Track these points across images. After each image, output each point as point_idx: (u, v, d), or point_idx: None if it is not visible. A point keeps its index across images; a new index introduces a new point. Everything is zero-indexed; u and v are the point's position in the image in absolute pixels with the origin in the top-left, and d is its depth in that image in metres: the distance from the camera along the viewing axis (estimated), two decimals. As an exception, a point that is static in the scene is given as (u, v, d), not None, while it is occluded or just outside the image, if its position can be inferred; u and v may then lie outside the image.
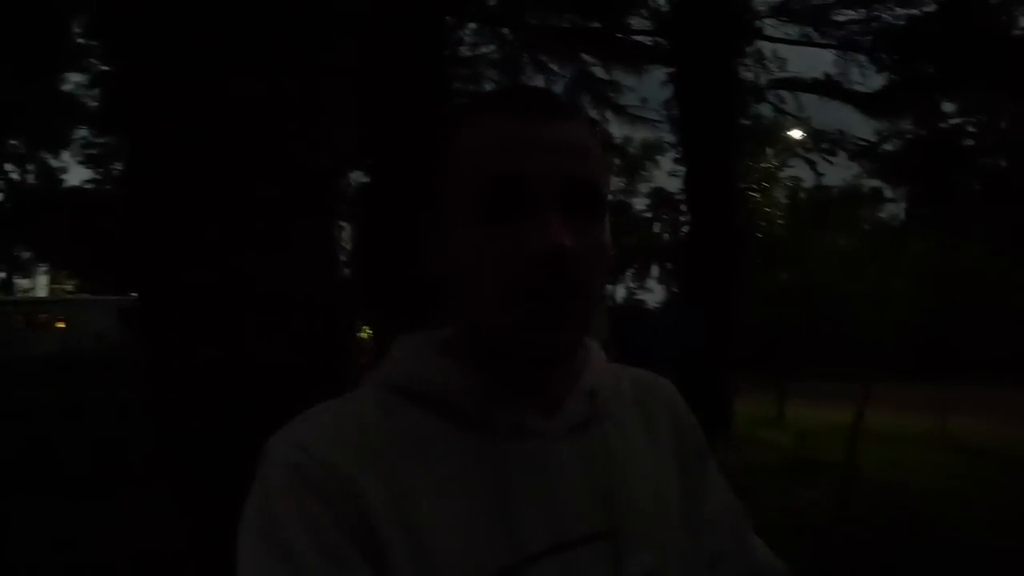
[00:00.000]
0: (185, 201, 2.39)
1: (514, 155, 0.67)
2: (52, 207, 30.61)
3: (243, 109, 2.38)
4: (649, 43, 11.30)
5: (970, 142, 11.54)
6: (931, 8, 10.47)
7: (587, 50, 11.31)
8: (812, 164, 15.13)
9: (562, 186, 0.67)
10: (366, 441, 0.67)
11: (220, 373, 2.34)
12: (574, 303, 0.68)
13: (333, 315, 2.59)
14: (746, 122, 11.34)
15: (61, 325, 25.68)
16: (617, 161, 24.70)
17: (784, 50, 15.05)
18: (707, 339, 8.97)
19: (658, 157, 30.69)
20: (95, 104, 20.48)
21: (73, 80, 21.52)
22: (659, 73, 11.09)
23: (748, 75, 11.21)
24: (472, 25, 10.61)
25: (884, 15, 10.94)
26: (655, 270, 41.65)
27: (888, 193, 16.79)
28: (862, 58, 11.34)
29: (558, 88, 11.07)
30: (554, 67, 11.61)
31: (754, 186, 15.87)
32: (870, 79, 11.51)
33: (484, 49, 11.18)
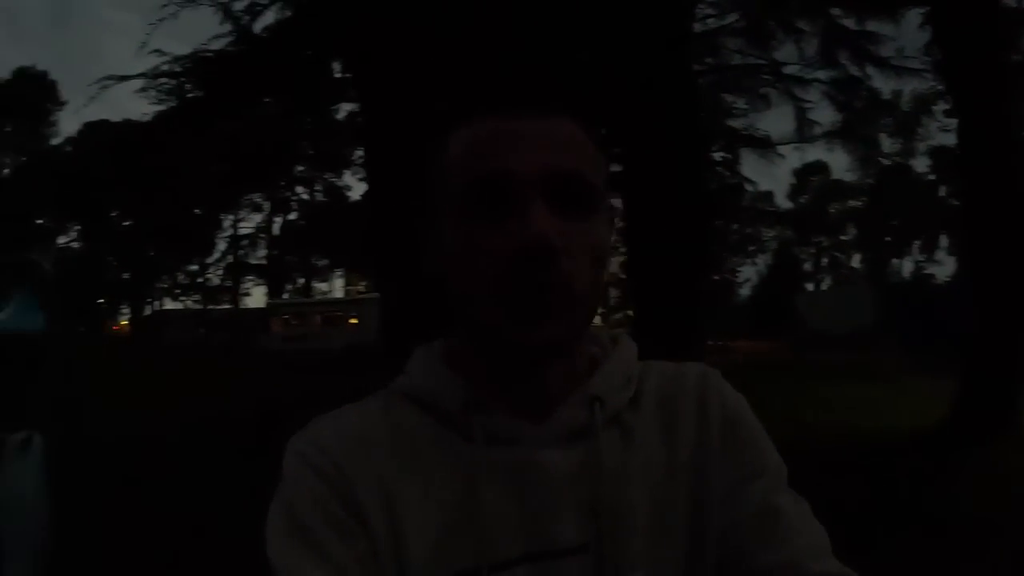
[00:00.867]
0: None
1: (497, 153, 0.68)
2: (341, 220, 34.55)
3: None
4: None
5: None
6: None
7: (835, 3, 10.39)
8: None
9: (546, 180, 0.67)
10: (364, 437, 0.72)
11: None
12: (558, 296, 0.66)
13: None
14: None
15: (354, 321, 29.02)
16: (888, 120, 22.45)
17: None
18: (978, 320, 7.68)
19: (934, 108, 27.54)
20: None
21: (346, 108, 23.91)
22: (915, 16, 9.87)
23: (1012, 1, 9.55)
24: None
25: None
26: (944, 240, 37.70)
27: None
28: None
29: (811, 47, 10.27)
30: (802, 26, 10.77)
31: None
32: None
33: (727, 19, 10.61)
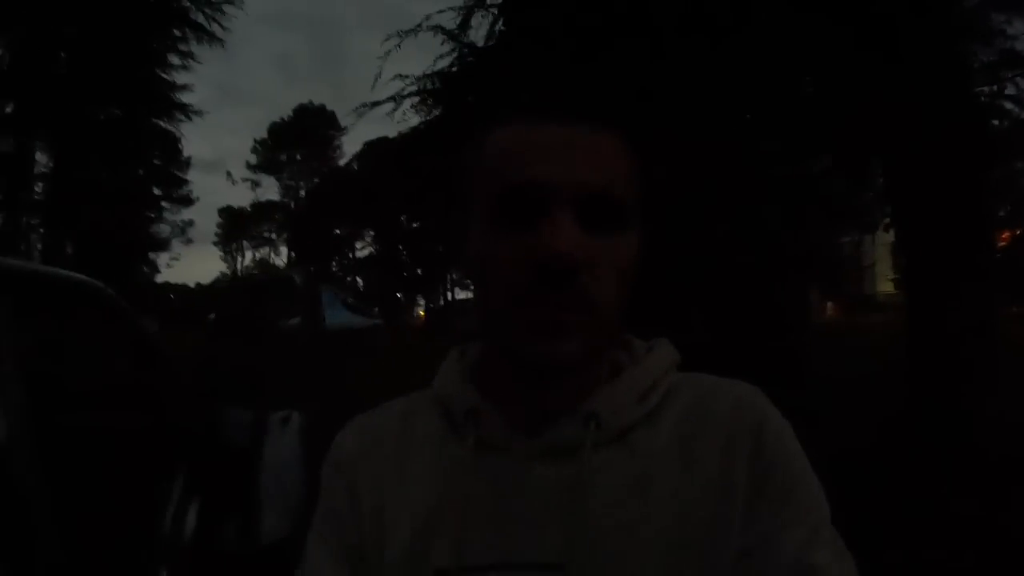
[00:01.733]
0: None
1: (527, 162, 0.67)
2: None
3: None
4: None
5: None
6: None
7: None
8: None
9: (575, 194, 0.66)
10: (378, 438, 0.78)
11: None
12: (575, 314, 0.65)
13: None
14: None
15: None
16: None
17: None
18: None
19: None
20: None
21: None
22: None
23: None
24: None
25: None
26: None
27: None
28: None
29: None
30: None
31: None
32: None
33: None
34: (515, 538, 0.68)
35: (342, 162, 53.16)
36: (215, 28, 17.28)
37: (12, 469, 2.23)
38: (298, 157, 55.48)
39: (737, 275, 5.75)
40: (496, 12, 7.08)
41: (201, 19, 17.25)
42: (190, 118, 18.95)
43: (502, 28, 6.96)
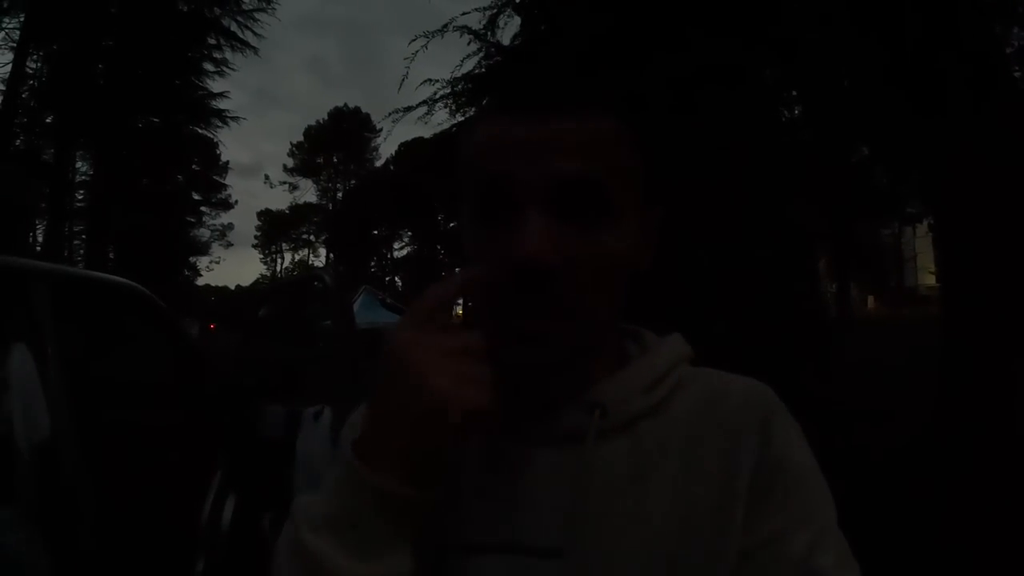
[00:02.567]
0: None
1: (500, 156, 0.64)
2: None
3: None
4: None
5: None
6: None
7: None
8: None
9: (549, 185, 0.63)
10: None
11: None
12: (553, 319, 0.63)
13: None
14: None
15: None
16: None
17: None
18: None
19: None
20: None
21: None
22: None
23: None
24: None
25: None
26: None
27: None
28: None
29: None
30: None
31: None
32: None
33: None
34: (517, 521, 0.67)
35: (379, 163, 53.64)
36: (248, 36, 17.55)
37: (59, 463, 2.33)
38: (335, 159, 56.07)
39: (757, 267, 5.70)
40: (523, 12, 7.11)
41: (234, 27, 17.54)
42: (227, 124, 19.26)
43: (528, 27, 7.01)
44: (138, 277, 3.53)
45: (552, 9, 6.24)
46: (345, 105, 56.30)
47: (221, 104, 19.08)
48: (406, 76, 7.49)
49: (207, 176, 26.24)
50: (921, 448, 5.27)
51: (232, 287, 56.41)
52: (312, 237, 60.00)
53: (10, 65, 14.73)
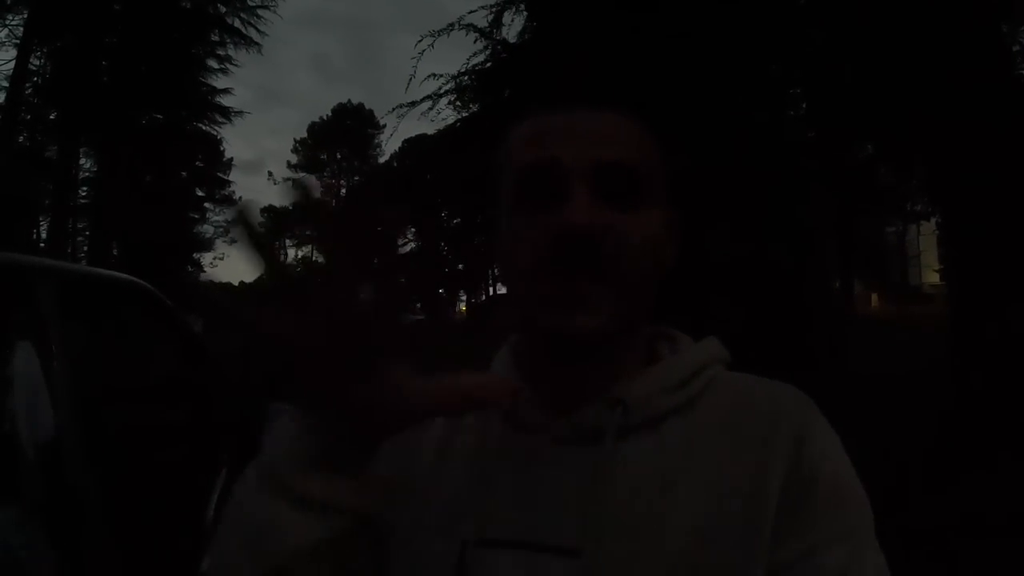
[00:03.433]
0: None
1: (543, 144, 0.69)
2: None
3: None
4: None
5: None
6: None
7: None
8: None
9: (592, 170, 0.67)
10: (434, 421, 0.76)
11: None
12: (597, 284, 0.65)
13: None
14: None
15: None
16: None
17: None
18: None
19: None
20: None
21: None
22: None
23: None
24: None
25: None
26: None
27: None
28: None
29: None
30: None
31: None
32: None
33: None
34: (537, 519, 0.67)
35: (382, 160, 53.62)
36: (251, 32, 17.55)
37: (63, 461, 2.31)
38: (338, 156, 56.08)
39: (768, 266, 5.68)
40: (527, 9, 7.11)
41: (238, 24, 17.54)
42: (231, 120, 19.30)
43: (533, 24, 7.00)
44: (141, 274, 3.52)
45: (562, 4, 6.22)
46: (349, 101, 56.27)
47: (224, 100, 19.12)
48: (413, 75, 7.48)
49: (211, 172, 26.23)
50: (929, 448, 5.26)
51: (236, 283, 56.40)
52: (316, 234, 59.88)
53: (13, 61, 14.74)
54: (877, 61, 5.76)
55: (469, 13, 7.21)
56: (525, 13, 7.16)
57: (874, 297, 30.04)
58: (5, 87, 14.77)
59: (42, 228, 17.83)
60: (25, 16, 15.15)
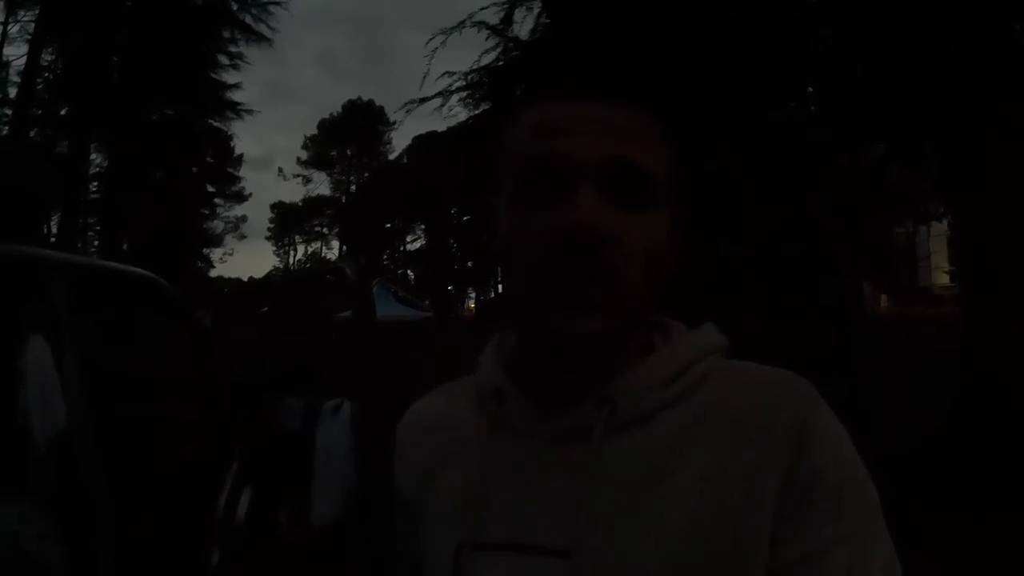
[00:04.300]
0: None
1: (550, 136, 0.65)
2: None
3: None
4: None
5: None
6: None
7: None
8: None
9: (600, 167, 0.64)
10: (425, 425, 0.80)
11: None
12: (599, 287, 0.63)
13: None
14: None
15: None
16: None
17: None
18: None
19: None
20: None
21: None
22: None
23: None
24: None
25: None
26: None
27: None
28: None
29: None
30: None
31: None
32: None
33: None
34: (528, 521, 0.66)
35: (392, 156, 53.69)
36: (262, 28, 17.58)
37: (75, 455, 2.31)
38: (348, 152, 56.20)
39: (784, 265, 5.65)
40: (542, 5, 7.10)
41: (248, 20, 17.57)
42: (241, 117, 19.35)
43: (546, 20, 6.98)
44: (151, 269, 3.51)
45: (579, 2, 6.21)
46: (359, 98, 56.45)
47: (235, 97, 19.16)
48: (427, 73, 7.48)
49: (221, 168, 26.32)
50: (937, 448, 5.23)
51: (245, 279, 56.67)
52: (325, 230, 60.24)
53: (25, 57, 14.81)
54: (889, 60, 5.72)
55: (480, 10, 7.21)
56: (536, 10, 7.16)
57: (884, 298, 29.93)
58: (17, 82, 14.86)
59: (53, 223, 17.93)
60: (37, 12, 15.22)
